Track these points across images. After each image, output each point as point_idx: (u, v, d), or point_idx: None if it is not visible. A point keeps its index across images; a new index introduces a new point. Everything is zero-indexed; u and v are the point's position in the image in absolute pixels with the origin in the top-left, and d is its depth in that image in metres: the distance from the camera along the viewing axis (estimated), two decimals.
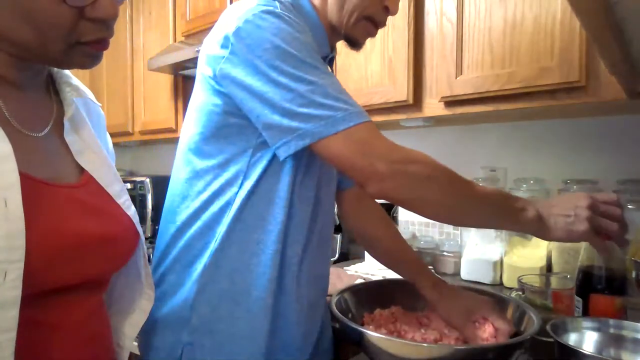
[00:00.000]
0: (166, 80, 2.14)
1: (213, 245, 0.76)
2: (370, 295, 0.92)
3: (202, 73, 0.76)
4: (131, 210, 0.66)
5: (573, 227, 0.65)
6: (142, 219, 2.23)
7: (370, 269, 1.44)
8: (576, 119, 1.32)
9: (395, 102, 1.30)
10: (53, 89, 0.64)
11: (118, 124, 2.39)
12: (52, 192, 0.54)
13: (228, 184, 0.76)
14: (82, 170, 0.61)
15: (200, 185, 0.78)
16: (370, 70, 1.37)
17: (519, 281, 0.93)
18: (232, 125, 0.75)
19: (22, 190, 0.48)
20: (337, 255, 1.63)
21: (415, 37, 1.26)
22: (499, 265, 1.26)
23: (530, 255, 1.22)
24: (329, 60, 0.86)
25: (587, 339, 0.73)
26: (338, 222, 1.63)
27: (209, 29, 0.79)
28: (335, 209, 1.59)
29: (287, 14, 0.71)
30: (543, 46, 1.03)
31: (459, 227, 1.43)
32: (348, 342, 0.99)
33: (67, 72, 0.66)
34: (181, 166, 0.81)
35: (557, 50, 1.01)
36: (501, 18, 1.10)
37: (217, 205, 0.77)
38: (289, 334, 0.79)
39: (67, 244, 0.53)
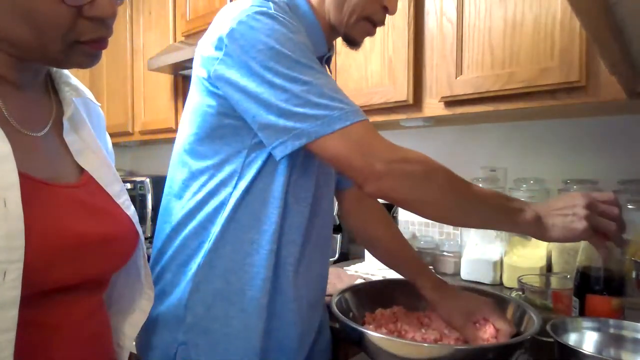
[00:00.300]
0: (166, 80, 2.14)
1: (207, 245, 0.76)
2: (371, 295, 0.92)
3: (197, 75, 0.77)
4: (131, 210, 0.66)
5: (571, 227, 0.65)
6: (142, 219, 2.23)
7: (370, 269, 1.44)
8: (576, 119, 1.32)
9: (395, 102, 1.30)
10: (52, 88, 0.64)
11: (118, 124, 2.39)
12: (52, 192, 0.54)
13: (222, 184, 0.76)
14: (81, 170, 0.61)
15: (195, 186, 0.78)
16: (370, 70, 1.36)
17: (519, 281, 0.93)
18: (226, 126, 0.75)
19: (21, 190, 0.48)
20: (337, 255, 1.63)
21: (415, 37, 1.26)
22: (499, 265, 1.26)
23: (530, 255, 1.22)
24: (327, 59, 0.86)
25: (587, 339, 0.73)
26: (338, 222, 1.64)
27: None
28: (336, 209, 1.59)
29: (280, 14, 0.71)
30: (543, 46, 1.03)
31: (459, 227, 1.43)
32: (348, 342, 0.99)
33: (66, 71, 0.66)
34: (177, 167, 0.81)
35: (557, 50, 1.01)
36: (501, 18, 1.10)
37: (211, 206, 0.77)
38: (284, 334, 0.79)
39: (66, 244, 0.53)
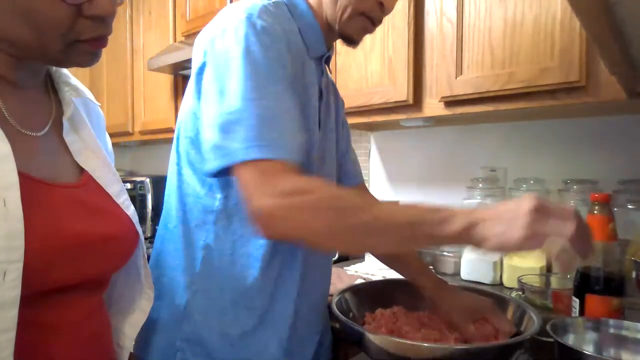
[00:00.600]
0: (166, 80, 2.14)
1: (202, 252, 0.76)
2: (371, 295, 0.92)
3: (190, 78, 0.77)
4: (130, 210, 0.66)
5: (506, 235, 0.53)
6: (142, 219, 2.23)
7: (370, 269, 1.44)
8: (576, 119, 1.32)
9: (395, 102, 1.30)
10: (52, 88, 0.64)
11: (118, 124, 2.39)
12: (52, 191, 0.54)
13: (214, 191, 0.75)
14: (81, 170, 0.61)
15: (188, 190, 0.78)
16: (370, 70, 1.36)
17: (519, 281, 0.93)
18: None
19: (21, 190, 0.48)
20: (337, 256, 1.62)
21: (415, 37, 1.26)
22: (499, 265, 1.26)
23: (530, 255, 1.22)
24: (326, 58, 0.85)
25: (587, 339, 0.73)
26: None
27: None
28: None
29: (265, 21, 0.68)
30: (543, 46, 1.03)
31: None
32: (348, 342, 0.99)
33: (65, 71, 0.66)
34: (172, 170, 0.81)
35: (557, 50, 1.01)
36: (501, 18, 1.10)
37: (204, 213, 0.76)
38: (285, 340, 0.78)
39: (66, 244, 0.53)
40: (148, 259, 0.73)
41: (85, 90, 0.70)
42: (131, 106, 2.34)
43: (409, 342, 0.74)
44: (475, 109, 1.17)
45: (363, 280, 1.24)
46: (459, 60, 1.17)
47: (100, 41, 0.56)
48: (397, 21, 1.28)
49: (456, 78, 1.17)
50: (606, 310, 0.78)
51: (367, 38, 1.37)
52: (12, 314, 0.46)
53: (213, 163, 0.64)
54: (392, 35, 1.30)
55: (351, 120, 1.31)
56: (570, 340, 0.72)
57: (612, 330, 0.73)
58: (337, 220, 0.59)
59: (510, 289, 1.16)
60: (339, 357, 1.00)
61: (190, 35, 1.94)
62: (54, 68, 0.65)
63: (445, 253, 1.44)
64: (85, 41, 0.54)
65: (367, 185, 1.37)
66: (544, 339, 0.71)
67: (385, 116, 1.35)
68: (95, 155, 0.65)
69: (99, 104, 0.75)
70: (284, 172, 0.62)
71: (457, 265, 1.36)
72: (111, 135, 0.79)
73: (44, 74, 0.63)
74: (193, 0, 1.94)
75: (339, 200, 0.60)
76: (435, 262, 1.44)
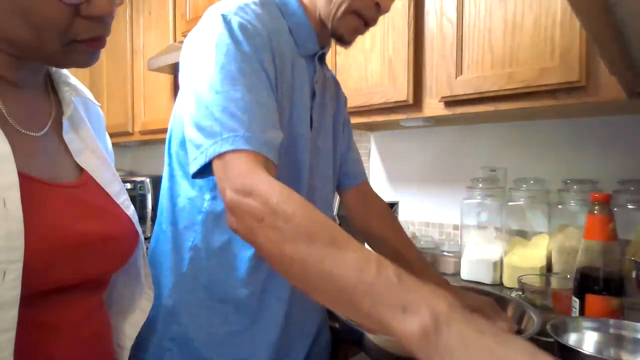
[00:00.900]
0: (166, 80, 2.14)
1: (189, 254, 0.76)
2: None
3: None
4: (130, 210, 0.66)
5: None
6: (142, 219, 2.23)
7: None
8: (576, 119, 1.32)
9: (395, 102, 1.30)
10: (52, 88, 0.64)
11: (118, 124, 2.39)
12: (51, 191, 0.54)
13: (203, 192, 0.75)
14: (81, 170, 0.61)
15: (178, 191, 0.78)
16: (370, 70, 1.36)
17: (519, 281, 0.93)
18: None
19: (21, 190, 0.48)
20: None
21: (415, 37, 1.26)
22: (499, 265, 1.26)
23: (530, 255, 1.22)
24: (320, 56, 0.83)
25: (587, 339, 0.73)
26: (338, 223, 1.63)
27: None
28: (336, 209, 1.59)
29: (241, 18, 0.68)
30: (543, 46, 1.03)
31: (459, 227, 1.43)
32: (348, 342, 0.99)
33: (65, 71, 0.66)
34: (165, 171, 0.82)
35: (557, 50, 1.01)
36: (501, 18, 1.10)
37: (193, 214, 0.76)
38: (276, 340, 0.78)
39: (66, 244, 0.53)
40: None
41: (85, 90, 0.70)
42: (131, 106, 2.34)
43: None
44: (475, 109, 1.17)
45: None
46: (459, 60, 1.17)
47: (98, 41, 0.56)
48: (397, 21, 1.28)
49: (456, 78, 1.17)
50: (606, 310, 0.78)
51: (367, 38, 1.38)
52: (12, 314, 0.46)
53: (194, 163, 0.62)
54: (392, 35, 1.30)
55: (351, 120, 1.31)
56: (570, 340, 0.72)
57: (612, 330, 0.73)
58: (286, 248, 0.51)
59: (510, 289, 1.16)
60: (338, 357, 1.00)
61: None
62: (54, 68, 0.65)
63: (445, 253, 1.44)
64: (83, 41, 0.54)
65: None
66: (544, 339, 0.71)
67: (385, 116, 1.35)
68: (95, 155, 0.65)
69: (99, 104, 0.75)
70: (254, 167, 0.58)
71: (457, 265, 1.36)
72: (111, 135, 0.79)
73: (43, 74, 0.63)
74: (193, 0, 1.94)
75: (310, 226, 0.51)
76: (435, 262, 1.44)
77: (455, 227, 1.57)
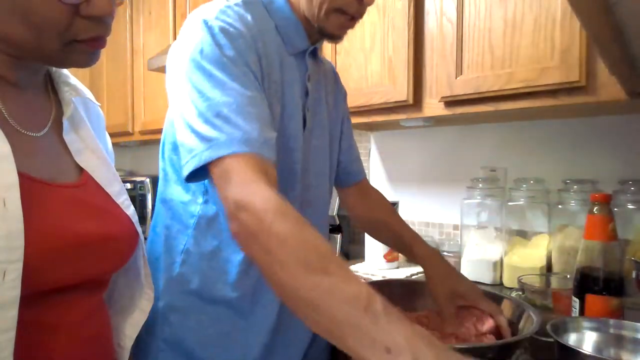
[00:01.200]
0: None
1: (181, 257, 0.76)
2: None
3: None
4: (130, 210, 0.66)
5: None
6: (142, 219, 2.23)
7: (370, 269, 1.44)
8: (576, 119, 1.32)
9: (395, 102, 1.30)
10: (52, 88, 0.64)
11: (118, 124, 2.39)
12: (51, 192, 0.54)
13: (196, 196, 0.75)
14: (81, 170, 0.61)
15: (172, 195, 0.78)
16: (370, 70, 1.36)
17: (519, 281, 0.93)
18: None
19: (21, 190, 0.48)
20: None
21: (415, 37, 1.26)
22: (499, 265, 1.26)
23: (530, 255, 1.22)
24: (311, 52, 0.81)
25: (587, 339, 0.73)
26: (338, 223, 1.64)
27: None
28: (335, 209, 1.59)
29: (223, 21, 0.67)
30: (543, 46, 1.03)
31: (459, 227, 1.43)
32: None
33: (65, 71, 0.66)
34: (160, 175, 0.82)
35: (557, 50, 1.01)
36: (501, 18, 1.10)
37: (186, 218, 0.76)
38: (268, 342, 0.78)
39: (66, 244, 0.53)
40: None
41: (85, 90, 0.70)
42: (131, 106, 2.34)
43: None
44: (475, 109, 1.17)
45: (363, 281, 1.24)
46: (459, 60, 1.17)
47: (98, 41, 0.56)
48: (397, 21, 1.28)
49: (456, 78, 1.17)
50: (606, 310, 0.78)
51: (367, 38, 1.38)
52: (12, 314, 0.46)
53: (186, 167, 0.62)
54: (392, 35, 1.30)
55: (351, 120, 1.31)
56: (570, 340, 0.72)
57: (611, 330, 0.73)
58: (276, 268, 0.51)
59: (510, 289, 1.16)
60: (339, 357, 1.00)
61: None
62: (54, 68, 0.65)
63: (445, 253, 1.44)
64: (83, 41, 0.54)
65: None
66: (544, 339, 0.71)
67: (385, 116, 1.35)
68: (95, 155, 0.65)
69: (99, 104, 0.75)
70: (246, 172, 0.58)
71: (457, 265, 1.36)
72: (111, 135, 0.79)
73: (43, 74, 0.63)
74: (193, 0, 1.94)
75: (303, 252, 0.51)
76: None
77: (455, 227, 1.57)
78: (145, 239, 0.78)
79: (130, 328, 0.69)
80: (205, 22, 0.67)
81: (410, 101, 1.27)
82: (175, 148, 0.75)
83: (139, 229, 0.67)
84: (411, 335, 0.44)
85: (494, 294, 0.90)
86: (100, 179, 0.63)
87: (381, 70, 1.33)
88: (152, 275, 0.78)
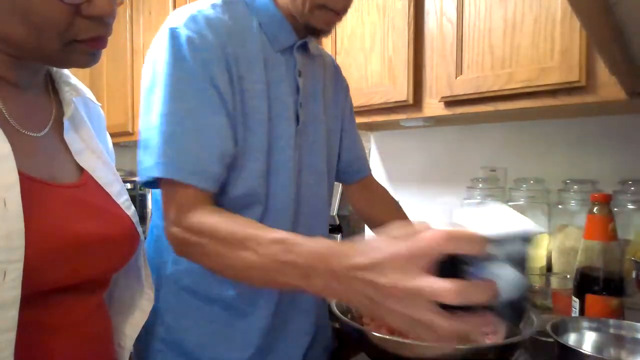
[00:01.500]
0: None
1: (171, 256, 0.76)
2: None
3: None
4: (131, 210, 0.66)
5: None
6: (142, 219, 2.23)
7: None
8: (576, 119, 1.32)
9: (395, 102, 1.30)
10: (52, 88, 0.64)
11: (118, 124, 2.39)
12: (52, 192, 0.54)
13: None
14: (81, 170, 0.61)
15: (159, 194, 0.77)
16: (370, 70, 1.36)
17: None
18: None
19: (21, 190, 0.48)
20: None
21: (415, 37, 1.26)
22: None
23: (530, 256, 1.22)
24: (299, 46, 0.80)
25: (587, 339, 0.73)
26: (338, 222, 1.63)
27: None
28: (336, 209, 1.59)
29: (191, 30, 0.68)
30: (543, 46, 1.03)
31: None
32: (348, 342, 0.99)
33: (66, 71, 0.66)
34: None
35: (557, 50, 1.01)
36: (501, 18, 1.10)
37: None
38: (263, 341, 0.78)
39: (66, 244, 0.53)
40: None
41: (86, 90, 0.70)
42: (131, 106, 2.34)
43: (409, 341, 0.74)
44: (475, 109, 1.17)
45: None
46: (459, 60, 1.17)
47: (99, 42, 0.56)
48: (397, 21, 1.28)
49: (456, 78, 1.17)
50: (606, 310, 0.78)
51: (367, 38, 1.38)
52: (12, 314, 0.46)
53: (139, 175, 0.68)
54: (392, 35, 1.30)
55: None
56: (570, 340, 0.72)
57: (611, 330, 0.73)
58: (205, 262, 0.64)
59: None
60: (339, 357, 1.00)
61: None
62: (55, 68, 0.65)
63: None
64: (83, 41, 0.54)
65: None
66: (544, 339, 0.71)
67: (385, 116, 1.35)
68: (96, 155, 0.65)
69: (100, 104, 0.75)
70: (182, 199, 0.65)
71: None
72: (111, 135, 0.79)
73: (44, 75, 0.63)
74: (193, 1, 1.94)
75: (218, 246, 0.61)
76: None
77: None
78: (145, 239, 0.78)
79: (131, 328, 0.69)
80: (172, 32, 0.68)
81: (410, 101, 1.27)
82: None
83: (140, 229, 0.67)
84: (317, 254, 0.52)
85: None
86: (101, 179, 0.63)
87: (381, 70, 1.33)
88: (154, 277, 0.78)
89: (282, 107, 0.76)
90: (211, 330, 0.76)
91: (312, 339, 0.86)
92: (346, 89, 0.98)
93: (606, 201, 0.81)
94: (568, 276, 0.96)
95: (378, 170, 1.79)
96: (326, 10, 0.73)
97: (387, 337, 0.72)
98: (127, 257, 0.65)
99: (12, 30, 0.51)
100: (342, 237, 1.66)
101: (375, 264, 0.44)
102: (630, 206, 1.09)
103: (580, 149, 1.32)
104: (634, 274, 0.89)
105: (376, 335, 0.70)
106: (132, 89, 2.34)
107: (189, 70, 0.67)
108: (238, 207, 0.72)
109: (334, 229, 1.65)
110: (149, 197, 2.26)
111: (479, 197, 1.35)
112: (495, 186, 1.36)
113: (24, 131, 0.55)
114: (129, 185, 2.30)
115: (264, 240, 0.57)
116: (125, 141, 2.45)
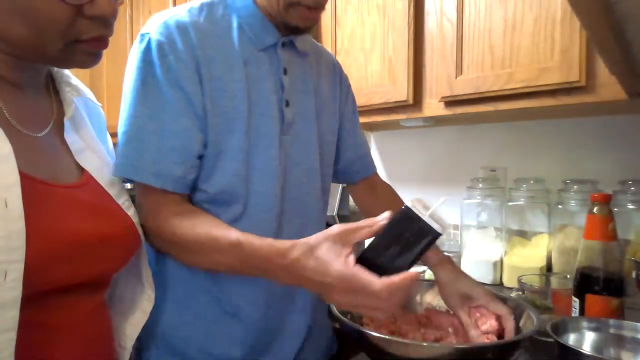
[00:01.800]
0: None
1: (153, 254, 0.76)
2: None
3: None
4: (131, 211, 0.66)
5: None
6: None
7: None
8: (576, 119, 1.32)
9: (395, 102, 1.30)
10: (53, 89, 0.64)
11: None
12: (52, 192, 0.54)
13: None
14: (82, 170, 0.61)
15: None
16: (370, 70, 1.36)
17: (519, 281, 0.93)
18: None
19: (22, 190, 0.48)
20: None
21: (415, 37, 1.26)
22: (499, 265, 1.26)
23: (530, 255, 1.22)
24: (284, 44, 0.79)
25: (587, 339, 0.73)
26: (338, 223, 1.63)
27: None
28: (336, 209, 1.59)
29: (161, 36, 0.69)
30: (543, 46, 1.03)
31: (459, 227, 1.43)
32: (348, 342, 0.99)
33: (67, 72, 0.66)
34: None
35: (557, 50, 1.01)
36: (501, 18, 1.10)
37: None
38: (255, 336, 0.78)
39: (67, 244, 0.53)
40: None
41: (86, 90, 0.70)
42: None
43: (409, 341, 0.74)
44: (475, 109, 1.17)
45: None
46: (459, 60, 1.17)
47: (100, 42, 0.56)
48: (397, 21, 1.28)
49: (456, 78, 1.17)
50: (606, 310, 0.78)
51: (367, 38, 1.38)
52: (12, 314, 0.46)
53: (113, 171, 0.69)
54: (392, 35, 1.30)
55: None
56: (570, 340, 0.72)
57: (611, 330, 0.73)
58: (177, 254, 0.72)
59: (510, 289, 1.16)
60: (339, 357, 1.00)
61: None
62: (55, 69, 0.65)
63: (445, 253, 1.43)
64: (85, 41, 0.54)
65: None
66: (544, 339, 0.72)
67: (385, 116, 1.35)
68: (96, 155, 0.65)
69: (100, 104, 0.75)
70: (148, 199, 0.70)
71: (458, 265, 1.36)
72: (112, 136, 0.79)
73: (44, 75, 0.63)
74: (191, 0, 1.94)
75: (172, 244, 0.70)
76: None
77: (455, 227, 1.57)
78: None
79: (131, 328, 0.69)
80: (143, 37, 0.70)
81: (410, 101, 1.27)
82: None
83: (140, 230, 0.67)
84: (271, 256, 0.61)
85: (494, 294, 0.90)
86: (101, 180, 0.63)
87: (381, 70, 1.33)
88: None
89: (265, 105, 0.76)
90: (202, 328, 0.76)
91: (308, 339, 0.86)
92: (348, 86, 0.98)
93: (606, 201, 0.81)
94: (568, 276, 0.96)
95: (378, 171, 1.79)
96: (299, 7, 0.73)
97: (387, 337, 0.72)
98: (127, 258, 0.65)
99: (13, 30, 0.51)
100: None
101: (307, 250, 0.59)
102: (630, 206, 1.09)
103: (580, 149, 1.32)
104: (634, 274, 0.89)
105: (376, 335, 0.70)
106: None
107: (155, 75, 0.69)
108: (216, 205, 0.74)
109: None
110: None
111: (479, 197, 1.35)
112: (495, 186, 1.36)
113: (24, 131, 0.55)
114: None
115: (224, 245, 0.65)
116: None
